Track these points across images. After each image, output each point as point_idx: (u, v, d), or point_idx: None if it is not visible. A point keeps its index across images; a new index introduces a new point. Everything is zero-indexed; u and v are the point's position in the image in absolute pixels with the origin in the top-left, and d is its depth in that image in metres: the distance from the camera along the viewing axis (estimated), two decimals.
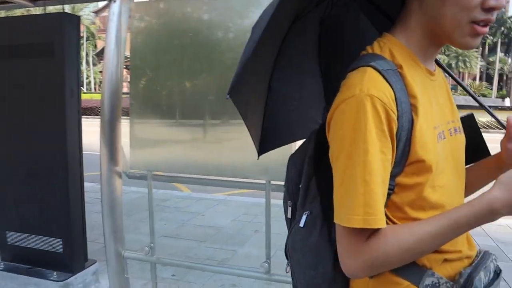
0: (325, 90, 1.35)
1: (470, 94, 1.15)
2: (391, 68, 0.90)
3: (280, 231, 3.23)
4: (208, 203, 6.22)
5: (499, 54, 52.63)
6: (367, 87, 0.85)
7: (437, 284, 0.92)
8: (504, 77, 52.04)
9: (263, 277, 2.37)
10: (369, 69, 0.88)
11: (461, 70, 45.61)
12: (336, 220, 0.88)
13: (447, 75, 1.14)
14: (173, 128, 2.56)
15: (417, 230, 0.86)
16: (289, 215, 1.18)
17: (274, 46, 1.16)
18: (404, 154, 0.88)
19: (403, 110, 0.87)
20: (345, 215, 0.85)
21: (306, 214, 1.06)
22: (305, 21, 1.19)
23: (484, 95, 41.85)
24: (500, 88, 51.54)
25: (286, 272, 1.19)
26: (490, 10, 0.88)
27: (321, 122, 1.11)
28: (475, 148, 1.14)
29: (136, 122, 2.54)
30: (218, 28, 2.40)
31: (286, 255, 1.15)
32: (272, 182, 2.31)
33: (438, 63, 1.08)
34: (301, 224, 1.06)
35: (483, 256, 1.01)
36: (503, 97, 38.83)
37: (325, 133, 0.96)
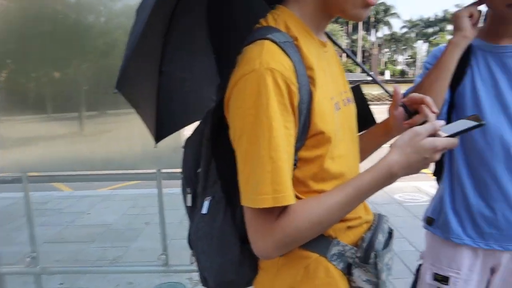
0: (218, 67, 1.30)
1: (360, 67, 1.21)
2: (288, 40, 0.88)
3: (173, 220, 3.16)
4: (92, 200, 5.85)
5: (361, 32, 57.31)
6: (266, 61, 0.82)
7: (343, 252, 0.96)
8: (366, 54, 56.88)
9: (161, 270, 2.29)
10: (267, 42, 0.85)
11: None
12: (244, 203, 0.84)
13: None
14: (46, 124, 2.33)
15: (325, 201, 0.87)
16: (189, 203, 1.12)
17: (162, 26, 1.09)
18: (305, 128, 0.87)
19: (302, 82, 0.86)
20: (254, 196, 0.82)
21: (209, 200, 1.02)
22: None
23: (350, 71, 45.23)
24: (363, 63, 56.31)
25: (191, 263, 1.13)
26: None
27: (216, 100, 1.07)
28: (363, 117, 1.19)
29: (3, 120, 2.27)
30: (88, 12, 2.22)
31: (189, 244, 1.10)
32: (163, 171, 2.22)
33: (328, 35, 1.09)
34: (204, 210, 1.02)
35: (379, 219, 1.06)
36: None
37: (222, 112, 0.92)
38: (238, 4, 1.22)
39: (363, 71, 1.20)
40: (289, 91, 0.83)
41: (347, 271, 0.97)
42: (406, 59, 66.03)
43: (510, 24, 1.36)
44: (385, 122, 1.18)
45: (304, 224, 0.85)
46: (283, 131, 0.82)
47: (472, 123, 0.94)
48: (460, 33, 1.35)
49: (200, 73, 1.30)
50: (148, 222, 4.72)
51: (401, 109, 1.09)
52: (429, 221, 1.57)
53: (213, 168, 1.03)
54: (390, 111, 1.12)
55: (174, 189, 1.43)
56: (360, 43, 56.76)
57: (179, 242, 1.07)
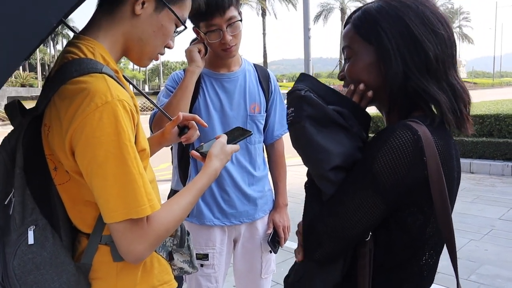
0: None
1: (142, 94, 1.47)
2: (113, 74, 1.02)
3: None
4: None
5: None
6: (116, 93, 0.95)
7: (165, 243, 1.21)
8: (46, 67, 53.87)
9: None
10: (106, 76, 0.98)
11: None
12: (117, 219, 0.95)
13: None
14: None
15: (180, 203, 1.09)
16: None
17: None
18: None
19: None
20: (133, 209, 0.95)
21: (32, 229, 1.01)
22: None
23: (31, 85, 42.08)
24: (44, 77, 53.02)
25: None
26: (166, 47, 1.18)
27: (22, 129, 1.06)
28: None
29: None
30: None
31: (2, 285, 1.04)
32: None
33: None
34: (31, 241, 1.00)
35: None
36: None
37: (36, 141, 1.01)
38: None
39: (141, 94, 1.45)
40: (132, 117, 1.00)
41: (169, 258, 1.22)
42: None
43: (224, 60, 1.86)
44: (158, 135, 1.44)
45: (171, 223, 1.05)
46: (135, 149, 0.98)
47: (245, 134, 1.36)
48: (194, 64, 1.76)
49: None
50: None
51: (176, 127, 1.39)
52: None
53: (28, 197, 1.03)
54: (168, 127, 1.39)
55: None
56: (38, 55, 53.39)
57: None
